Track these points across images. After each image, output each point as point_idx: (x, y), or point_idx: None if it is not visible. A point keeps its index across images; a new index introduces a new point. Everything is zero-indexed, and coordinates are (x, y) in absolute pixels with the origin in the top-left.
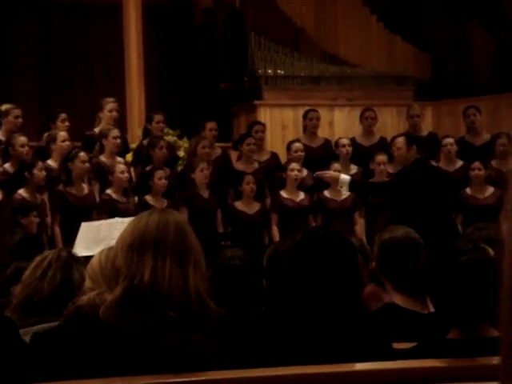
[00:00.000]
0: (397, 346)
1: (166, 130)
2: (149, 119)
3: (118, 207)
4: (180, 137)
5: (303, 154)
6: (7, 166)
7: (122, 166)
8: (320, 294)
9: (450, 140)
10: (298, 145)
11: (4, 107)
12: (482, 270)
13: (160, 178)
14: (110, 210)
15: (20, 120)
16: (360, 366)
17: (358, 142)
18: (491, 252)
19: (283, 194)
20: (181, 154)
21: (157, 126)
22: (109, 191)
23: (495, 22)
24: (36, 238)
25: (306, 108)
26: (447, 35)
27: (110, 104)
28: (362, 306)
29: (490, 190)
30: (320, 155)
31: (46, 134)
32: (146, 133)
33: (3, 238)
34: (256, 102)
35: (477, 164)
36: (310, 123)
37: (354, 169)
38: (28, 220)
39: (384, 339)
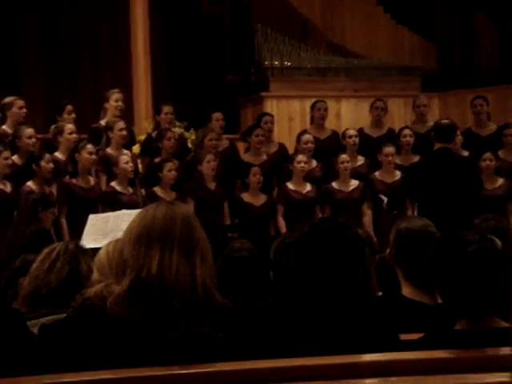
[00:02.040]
0: (404, 337)
1: (172, 122)
2: (157, 110)
3: (121, 199)
4: (187, 129)
5: (313, 145)
6: (15, 158)
7: (126, 157)
8: (327, 285)
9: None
10: (307, 136)
11: (7, 99)
12: (489, 260)
13: (169, 170)
14: (112, 202)
15: (24, 110)
16: (368, 357)
17: (366, 133)
18: (499, 243)
19: (290, 185)
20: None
21: (165, 117)
22: (113, 183)
23: (502, 13)
24: (46, 231)
25: (313, 99)
26: (454, 26)
27: (115, 94)
28: (369, 297)
29: (500, 181)
30: (328, 147)
31: (52, 127)
32: (157, 125)
33: (18, 228)
34: (263, 93)
35: (488, 155)
36: (318, 114)
37: (361, 160)
38: (46, 214)
39: (391, 330)
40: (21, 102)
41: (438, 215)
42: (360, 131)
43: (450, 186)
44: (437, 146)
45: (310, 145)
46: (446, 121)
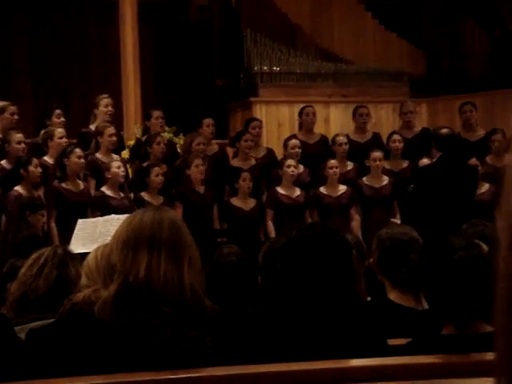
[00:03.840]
0: (392, 342)
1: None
2: (147, 116)
3: (110, 203)
4: (176, 134)
5: (300, 150)
6: (4, 162)
7: (118, 163)
8: (314, 290)
9: None
10: (294, 141)
11: (0, 104)
12: (476, 266)
13: (157, 175)
14: (102, 207)
15: (16, 117)
16: (355, 362)
17: (352, 139)
18: (485, 248)
19: (279, 190)
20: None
21: (156, 122)
22: (103, 188)
23: (490, 19)
24: (36, 236)
25: (302, 105)
26: (442, 32)
27: (104, 100)
28: (356, 302)
29: (486, 186)
30: (316, 152)
31: (42, 131)
32: (146, 131)
33: (8, 233)
34: (252, 98)
35: (473, 160)
36: (307, 119)
37: (349, 165)
38: (35, 218)
39: (379, 335)
40: (13, 109)
41: (439, 220)
42: (346, 137)
43: (450, 192)
44: (438, 154)
45: (297, 150)
46: (445, 130)
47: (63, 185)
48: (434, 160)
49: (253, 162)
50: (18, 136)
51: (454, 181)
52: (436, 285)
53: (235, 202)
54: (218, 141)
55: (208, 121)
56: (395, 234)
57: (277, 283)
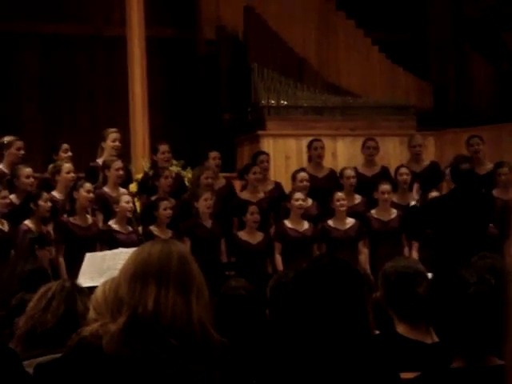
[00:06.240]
0: (401, 375)
1: (170, 161)
2: (154, 150)
3: (118, 238)
4: (184, 167)
5: (308, 183)
6: (13, 197)
7: (127, 197)
8: (326, 322)
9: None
10: (303, 174)
11: (6, 139)
12: (488, 301)
13: (165, 209)
14: (109, 241)
15: (22, 152)
16: None
17: (360, 172)
18: (493, 282)
19: (287, 223)
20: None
21: (162, 156)
22: (110, 222)
23: (496, 53)
24: (44, 270)
25: (309, 138)
26: (448, 65)
27: (112, 134)
28: (368, 335)
29: None
30: (325, 186)
31: (50, 166)
32: (153, 165)
33: (16, 267)
34: (259, 132)
35: None
36: (315, 153)
37: (357, 199)
38: (43, 252)
39: (391, 369)
40: (19, 143)
41: (453, 250)
42: (354, 171)
43: (467, 223)
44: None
45: (305, 183)
46: (465, 165)
47: (71, 220)
48: (448, 192)
49: (261, 194)
50: (27, 170)
51: (471, 212)
52: (447, 318)
53: (242, 235)
54: (225, 174)
55: (214, 154)
56: (400, 268)
57: (285, 316)
